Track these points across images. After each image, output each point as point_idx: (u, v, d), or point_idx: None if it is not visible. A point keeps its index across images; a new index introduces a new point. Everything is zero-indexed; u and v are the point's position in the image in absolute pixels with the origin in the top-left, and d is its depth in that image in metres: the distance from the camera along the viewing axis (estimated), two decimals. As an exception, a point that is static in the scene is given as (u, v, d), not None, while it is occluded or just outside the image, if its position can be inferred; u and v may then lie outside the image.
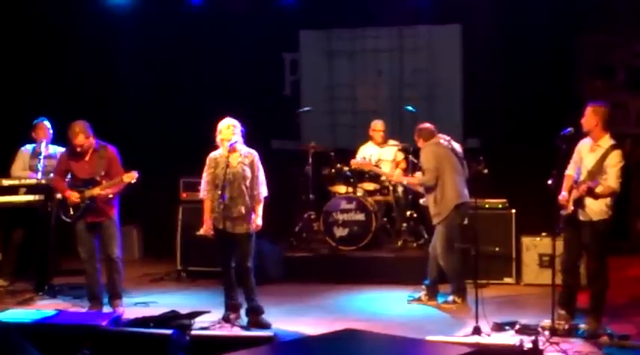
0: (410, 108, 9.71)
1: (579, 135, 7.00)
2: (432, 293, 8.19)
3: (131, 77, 11.15)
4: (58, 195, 8.14)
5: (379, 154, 9.87)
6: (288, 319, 7.55)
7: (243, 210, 7.24)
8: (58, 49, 11.14)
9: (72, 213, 7.72)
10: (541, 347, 6.36)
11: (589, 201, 6.78)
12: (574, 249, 7.00)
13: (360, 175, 9.64)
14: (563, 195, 6.88)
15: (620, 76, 10.83)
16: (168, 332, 6.03)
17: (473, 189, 7.82)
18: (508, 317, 7.16)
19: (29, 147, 9.17)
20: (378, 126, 9.90)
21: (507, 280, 8.97)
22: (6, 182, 8.79)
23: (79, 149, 7.69)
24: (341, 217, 9.52)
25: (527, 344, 6.31)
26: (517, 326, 6.91)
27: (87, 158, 7.77)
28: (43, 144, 8.96)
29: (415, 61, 11.22)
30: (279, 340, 6.31)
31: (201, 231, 7.45)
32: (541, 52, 10.38)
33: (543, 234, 8.75)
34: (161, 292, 8.85)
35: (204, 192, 7.37)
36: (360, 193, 9.64)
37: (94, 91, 11.10)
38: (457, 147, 8.19)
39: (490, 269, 8.55)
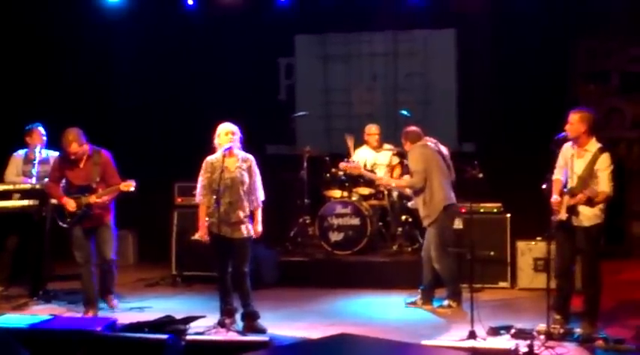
0: (405, 112, 9.72)
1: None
2: (428, 298, 8.19)
3: (126, 81, 11.16)
4: (54, 201, 8.15)
5: (374, 158, 9.88)
6: (284, 324, 7.54)
7: (241, 215, 7.23)
8: (52, 54, 11.14)
9: (68, 219, 7.72)
10: (536, 351, 6.38)
11: (582, 208, 6.79)
12: (567, 254, 7.01)
13: (355, 180, 9.64)
14: (556, 198, 6.89)
15: (615, 80, 10.85)
16: (164, 337, 6.03)
17: (468, 194, 7.82)
18: (503, 322, 7.16)
19: (21, 152, 9.15)
20: (372, 130, 9.91)
21: (502, 284, 8.97)
22: (0, 187, 8.76)
23: (73, 157, 7.69)
24: (336, 222, 9.52)
25: (523, 349, 6.34)
26: (512, 331, 6.90)
27: (81, 165, 7.77)
28: (37, 150, 8.94)
29: (410, 65, 11.24)
30: (274, 345, 6.31)
31: (196, 236, 7.44)
32: (536, 57, 10.40)
33: (538, 238, 8.75)
34: (156, 297, 8.83)
35: (199, 196, 7.36)
36: (355, 198, 9.64)
37: (89, 96, 11.10)
38: (444, 150, 8.21)
39: (485, 274, 8.56)
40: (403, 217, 9.63)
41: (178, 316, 7.13)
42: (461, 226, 8.77)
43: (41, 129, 9.08)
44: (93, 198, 7.66)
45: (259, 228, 7.38)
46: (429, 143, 8.10)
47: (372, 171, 9.66)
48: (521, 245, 8.93)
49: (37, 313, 7.84)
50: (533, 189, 7.19)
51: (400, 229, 9.61)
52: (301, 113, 10.59)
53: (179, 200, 9.68)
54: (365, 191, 9.70)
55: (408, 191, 8.40)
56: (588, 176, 6.78)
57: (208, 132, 7.41)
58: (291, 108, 11.08)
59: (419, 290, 8.25)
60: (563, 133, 6.94)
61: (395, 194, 9.64)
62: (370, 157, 9.88)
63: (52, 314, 7.54)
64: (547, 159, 7.04)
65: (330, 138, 11.31)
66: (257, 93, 11.25)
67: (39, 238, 8.64)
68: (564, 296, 7.06)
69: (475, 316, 6.82)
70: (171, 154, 10.70)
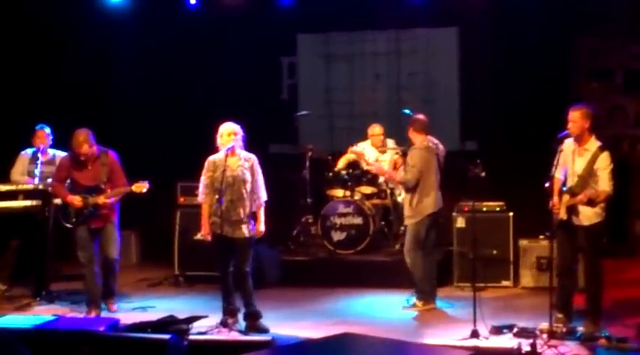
0: (407, 111, 9.70)
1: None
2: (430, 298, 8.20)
3: (128, 81, 11.15)
4: (57, 200, 8.16)
5: (377, 156, 9.87)
6: (286, 323, 7.54)
7: (242, 213, 7.24)
8: (54, 53, 11.14)
9: (74, 218, 7.72)
10: (539, 350, 6.38)
11: (582, 207, 6.79)
12: (568, 252, 7.01)
13: (358, 179, 9.63)
14: (554, 200, 6.88)
15: (618, 78, 10.83)
16: (166, 337, 6.05)
17: (470, 192, 7.82)
18: (506, 321, 7.16)
19: (29, 151, 9.17)
20: (376, 130, 9.88)
21: (505, 283, 8.96)
22: (3, 188, 8.77)
23: (83, 157, 7.69)
24: (339, 221, 9.51)
25: (526, 347, 6.34)
26: (515, 330, 6.91)
27: (89, 166, 7.76)
28: (42, 150, 8.95)
29: (412, 64, 11.23)
30: (277, 344, 6.32)
31: (199, 235, 7.45)
32: (538, 55, 10.38)
33: (541, 236, 8.74)
34: (159, 297, 8.84)
35: (202, 195, 7.37)
36: (357, 197, 9.63)
37: (91, 95, 11.09)
38: (442, 150, 8.22)
39: (488, 273, 8.56)
40: (405, 216, 9.61)
41: (181, 316, 7.13)
42: (463, 225, 8.76)
43: (47, 130, 9.09)
44: (102, 199, 7.67)
45: (262, 227, 7.39)
46: (430, 145, 8.09)
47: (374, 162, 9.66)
48: (523, 243, 8.93)
49: (40, 313, 7.87)
50: (536, 188, 7.18)
51: (403, 228, 9.57)
52: (304, 112, 10.58)
53: (182, 199, 9.67)
54: (367, 190, 9.70)
55: (399, 186, 8.41)
56: (588, 175, 6.78)
57: (211, 132, 7.42)
58: (294, 108, 11.07)
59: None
60: (566, 131, 6.93)
61: (397, 193, 9.63)
62: (372, 155, 9.86)
63: (55, 315, 7.56)
64: (549, 157, 7.02)
65: (332, 138, 11.30)
66: (259, 93, 11.25)
67: (42, 238, 8.65)
68: (566, 294, 7.06)
69: (478, 315, 6.82)
70: (174, 154, 10.70)
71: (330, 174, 9.75)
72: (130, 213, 8.44)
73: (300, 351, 5.28)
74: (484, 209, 9.01)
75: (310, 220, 9.89)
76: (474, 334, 6.75)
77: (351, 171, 9.69)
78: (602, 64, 10.87)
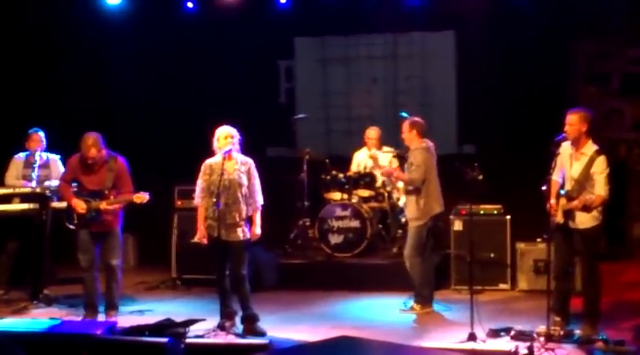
0: (404, 114, 9.71)
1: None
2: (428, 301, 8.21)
3: (126, 85, 11.15)
4: (55, 204, 8.14)
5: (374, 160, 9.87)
6: (284, 326, 7.54)
7: (237, 217, 7.25)
8: (53, 57, 11.14)
9: (76, 221, 7.71)
10: (536, 353, 6.39)
11: (579, 211, 6.80)
12: (565, 255, 7.02)
13: (355, 182, 9.64)
14: (552, 202, 6.89)
15: (615, 82, 10.86)
16: (164, 340, 6.03)
17: (468, 196, 7.82)
18: (503, 324, 7.16)
19: (22, 155, 9.15)
20: (371, 134, 9.87)
21: (502, 286, 8.96)
22: (0, 191, 8.77)
23: (90, 161, 7.67)
24: (336, 224, 9.52)
25: (523, 350, 6.35)
26: (512, 333, 6.91)
27: (96, 170, 7.73)
28: (37, 154, 8.94)
29: (409, 67, 11.25)
30: (274, 347, 6.32)
31: (195, 239, 7.45)
32: (535, 59, 10.40)
33: (538, 240, 8.75)
34: (156, 300, 8.84)
35: (198, 198, 7.38)
36: (355, 200, 9.64)
37: (89, 99, 11.09)
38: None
39: (485, 276, 8.57)
40: (403, 219, 9.62)
41: (178, 319, 7.11)
42: (461, 228, 8.77)
43: (41, 134, 9.07)
44: (103, 204, 7.61)
45: (258, 230, 7.39)
46: (431, 146, 8.11)
47: (371, 173, 9.67)
48: (521, 246, 8.93)
49: (37, 317, 7.85)
50: (533, 191, 7.18)
51: (400, 231, 9.60)
52: (301, 116, 10.61)
53: (179, 203, 9.67)
54: (365, 193, 9.71)
55: (401, 186, 8.40)
56: (584, 179, 6.79)
57: (208, 135, 7.42)
58: (291, 111, 11.09)
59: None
60: (563, 135, 6.95)
61: (395, 196, 9.64)
62: (370, 160, 9.87)
63: (52, 318, 7.56)
64: (547, 160, 7.03)
65: (329, 141, 11.32)
66: (257, 96, 11.26)
67: (39, 242, 8.64)
68: (564, 297, 7.06)
69: (475, 318, 6.82)
70: (171, 157, 10.70)
71: (328, 177, 9.76)
72: (128, 216, 8.42)
73: (297, 354, 5.27)
74: (481, 212, 9.03)
75: (308, 223, 9.90)
76: (472, 337, 6.75)
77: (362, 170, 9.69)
78: (599, 69, 10.90)
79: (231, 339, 6.98)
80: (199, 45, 11.23)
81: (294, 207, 10.09)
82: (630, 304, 8.10)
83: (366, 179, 9.65)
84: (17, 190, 8.76)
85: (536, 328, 6.86)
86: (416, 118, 8.27)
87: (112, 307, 7.82)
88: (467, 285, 7.48)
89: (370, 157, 9.56)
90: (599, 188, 6.76)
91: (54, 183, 8.80)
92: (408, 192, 8.14)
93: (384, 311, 8.24)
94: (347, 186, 9.64)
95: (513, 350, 6.37)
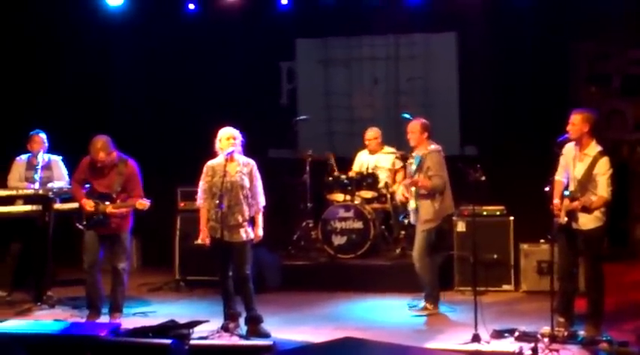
0: (407, 115, 9.71)
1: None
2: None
3: (128, 86, 11.16)
4: (66, 205, 8.28)
5: (375, 161, 9.87)
6: (287, 328, 7.54)
7: (240, 218, 7.25)
8: (54, 58, 11.12)
9: (85, 221, 7.71)
10: (540, 354, 6.38)
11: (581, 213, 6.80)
12: (569, 256, 7.02)
13: (358, 183, 9.64)
14: (556, 202, 6.89)
15: (616, 83, 10.85)
16: (167, 341, 6.04)
17: (470, 197, 7.82)
18: (507, 325, 7.16)
19: (24, 157, 9.15)
20: (369, 135, 9.83)
21: (506, 287, 8.96)
22: (3, 193, 8.77)
23: (99, 164, 7.67)
24: (339, 225, 9.52)
25: (527, 351, 6.35)
26: (516, 334, 6.91)
27: (106, 173, 7.72)
28: (40, 155, 8.95)
29: (411, 69, 11.24)
30: (278, 349, 6.32)
31: (198, 240, 7.45)
32: (537, 60, 10.39)
33: (542, 240, 8.75)
34: (160, 301, 8.84)
35: (200, 200, 7.39)
36: (357, 201, 9.63)
37: (90, 100, 11.09)
38: None
39: (489, 277, 8.55)
40: (406, 220, 9.62)
41: (182, 321, 7.11)
42: (464, 229, 8.77)
43: (43, 136, 9.08)
44: (110, 208, 7.61)
45: (260, 232, 7.40)
46: (441, 149, 8.12)
47: (373, 174, 9.66)
48: (524, 247, 8.94)
49: (41, 318, 7.86)
50: (536, 192, 7.19)
51: (403, 232, 9.60)
52: (303, 117, 10.61)
53: (182, 204, 9.67)
54: (368, 194, 9.70)
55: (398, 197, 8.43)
56: (587, 180, 6.79)
57: (210, 137, 7.42)
58: (293, 113, 11.08)
59: (423, 295, 8.25)
60: (566, 135, 6.95)
61: (398, 197, 9.63)
62: (372, 161, 9.88)
63: (55, 320, 7.56)
64: (549, 161, 7.04)
65: (332, 142, 11.31)
66: (259, 98, 11.25)
67: (42, 243, 8.64)
68: (568, 298, 7.06)
69: (479, 319, 6.82)
70: (174, 159, 10.70)
71: (330, 178, 9.75)
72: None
73: (302, 355, 5.28)
74: (484, 213, 9.03)
75: (311, 225, 9.89)
76: (476, 338, 6.75)
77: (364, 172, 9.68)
78: (601, 69, 10.89)
79: (235, 340, 6.98)
80: (201, 46, 11.22)
81: (296, 208, 10.08)
82: (634, 305, 8.09)
83: (368, 180, 9.64)
84: (20, 192, 8.77)
85: (540, 329, 6.86)
86: (425, 120, 8.24)
87: (116, 309, 7.81)
88: (470, 286, 7.47)
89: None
90: (601, 189, 6.76)
91: (57, 184, 8.82)
92: (422, 196, 8.09)
93: (387, 313, 8.24)
94: (349, 188, 9.64)
95: (517, 351, 6.37)
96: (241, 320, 7.37)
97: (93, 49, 11.13)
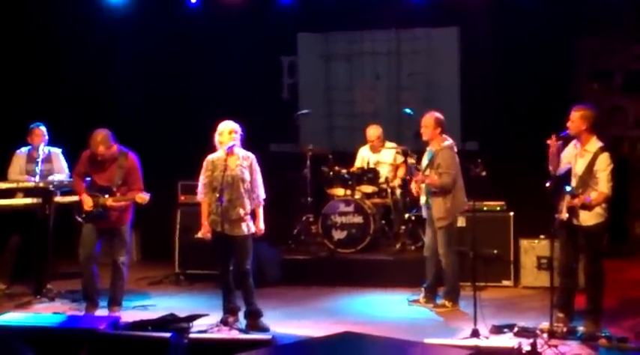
0: (408, 110, 9.72)
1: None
2: (431, 296, 8.20)
3: (128, 80, 11.14)
4: (66, 198, 8.30)
5: (377, 157, 9.87)
6: (287, 322, 7.55)
7: (241, 212, 7.25)
8: (54, 52, 11.12)
9: (83, 214, 7.71)
10: (539, 349, 6.37)
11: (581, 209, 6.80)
12: (570, 252, 7.03)
13: (359, 178, 9.63)
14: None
15: (618, 79, 10.83)
16: (167, 335, 6.04)
17: (471, 192, 7.82)
18: (506, 320, 7.17)
19: (24, 150, 9.15)
20: (370, 132, 9.80)
21: (505, 283, 8.97)
22: (3, 185, 8.77)
23: (99, 158, 7.66)
24: (339, 220, 9.52)
25: (526, 347, 6.33)
26: (515, 329, 6.92)
27: (106, 166, 7.72)
28: (41, 148, 8.95)
29: (413, 64, 11.23)
30: (277, 343, 6.30)
31: (199, 234, 7.45)
32: (539, 56, 10.37)
33: (541, 236, 8.76)
34: (159, 295, 8.85)
35: (201, 194, 7.39)
36: (358, 196, 9.63)
37: (91, 94, 11.08)
38: None
39: (488, 272, 8.54)
40: (406, 215, 9.62)
41: (181, 314, 7.13)
42: (464, 224, 8.76)
43: (43, 129, 9.08)
44: (109, 201, 7.61)
45: (261, 225, 7.41)
46: (454, 144, 8.09)
47: (374, 169, 9.66)
48: (524, 243, 8.94)
49: (40, 311, 7.87)
50: (537, 188, 7.18)
51: (403, 227, 9.61)
52: (304, 111, 10.60)
53: (182, 198, 9.69)
54: (368, 189, 9.70)
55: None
56: (588, 176, 6.78)
57: (211, 131, 7.42)
58: (294, 107, 11.07)
59: (422, 288, 8.26)
60: (567, 131, 6.95)
61: (398, 192, 9.64)
62: (373, 156, 9.87)
63: (55, 313, 7.56)
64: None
65: (332, 137, 11.31)
66: (260, 92, 11.24)
67: (42, 236, 8.64)
68: (567, 294, 7.06)
69: (478, 314, 6.83)
70: (175, 152, 10.69)
71: (331, 172, 9.75)
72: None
73: (300, 350, 5.27)
74: (485, 208, 9.03)
75: (311, 219, 9.90)
76: (475, 333, 6.76)
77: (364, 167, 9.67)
78: (603, 66, 10.88)
79: (234, 334, 6.99)
80: (202, 41, 11.21)
81: (297, 202, 10.08)
82: (633, 301, 8.09)
83: (369, 175, 9.64)
84: (20, 185, 8.77)
85: (540, 324, 6.87)
86: (439, 115, 8.14)
87: (115, 303, 7.82)
88: (470, 282, 7.47)
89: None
90: (602, 185, 6.76)
91: (57, 177, 8.82)
92: (434, 194, 8.04)
93: (387, 307, 8.25)
94: (350, 182, 9.63)
95: (516, 346, 6.34)
96: (241, 315, 7.38)
97: (94, 43, 11.12)
